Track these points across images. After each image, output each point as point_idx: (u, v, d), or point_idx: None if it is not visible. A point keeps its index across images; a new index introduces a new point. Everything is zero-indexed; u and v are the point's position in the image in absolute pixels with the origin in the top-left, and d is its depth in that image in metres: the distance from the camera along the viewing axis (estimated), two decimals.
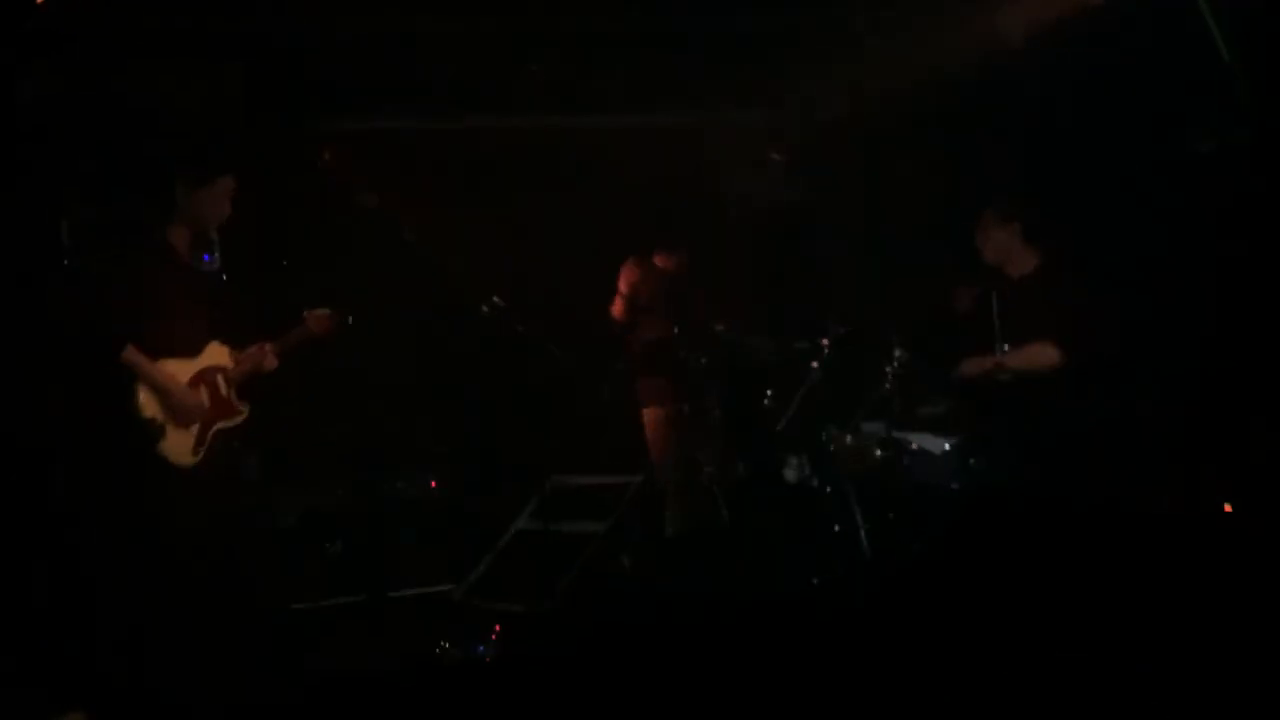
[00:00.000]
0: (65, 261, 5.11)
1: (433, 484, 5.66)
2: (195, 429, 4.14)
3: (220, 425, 4.24)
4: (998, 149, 5.60)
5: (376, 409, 5.75)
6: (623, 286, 5.91)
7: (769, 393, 5.07)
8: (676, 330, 5.47)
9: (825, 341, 4.81)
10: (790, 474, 4.79)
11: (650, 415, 5.79)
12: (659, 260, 5.89)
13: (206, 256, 5.02)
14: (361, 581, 5.15)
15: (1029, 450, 4.31)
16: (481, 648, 4.40)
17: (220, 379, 4.29)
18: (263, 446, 4.94)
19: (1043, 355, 4.42)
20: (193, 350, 4.23)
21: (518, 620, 4.66)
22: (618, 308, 5.88)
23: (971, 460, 4.38)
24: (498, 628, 4.61)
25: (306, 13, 5.14)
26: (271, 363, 4.39)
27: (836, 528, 4.49)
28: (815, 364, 4.80)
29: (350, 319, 4.63)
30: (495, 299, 4.63)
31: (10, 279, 4.82)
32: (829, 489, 4.60)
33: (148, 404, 4.05)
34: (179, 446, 4.10)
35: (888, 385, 4.61)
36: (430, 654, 4.39)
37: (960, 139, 5.80)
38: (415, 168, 5.81)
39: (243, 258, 5.06)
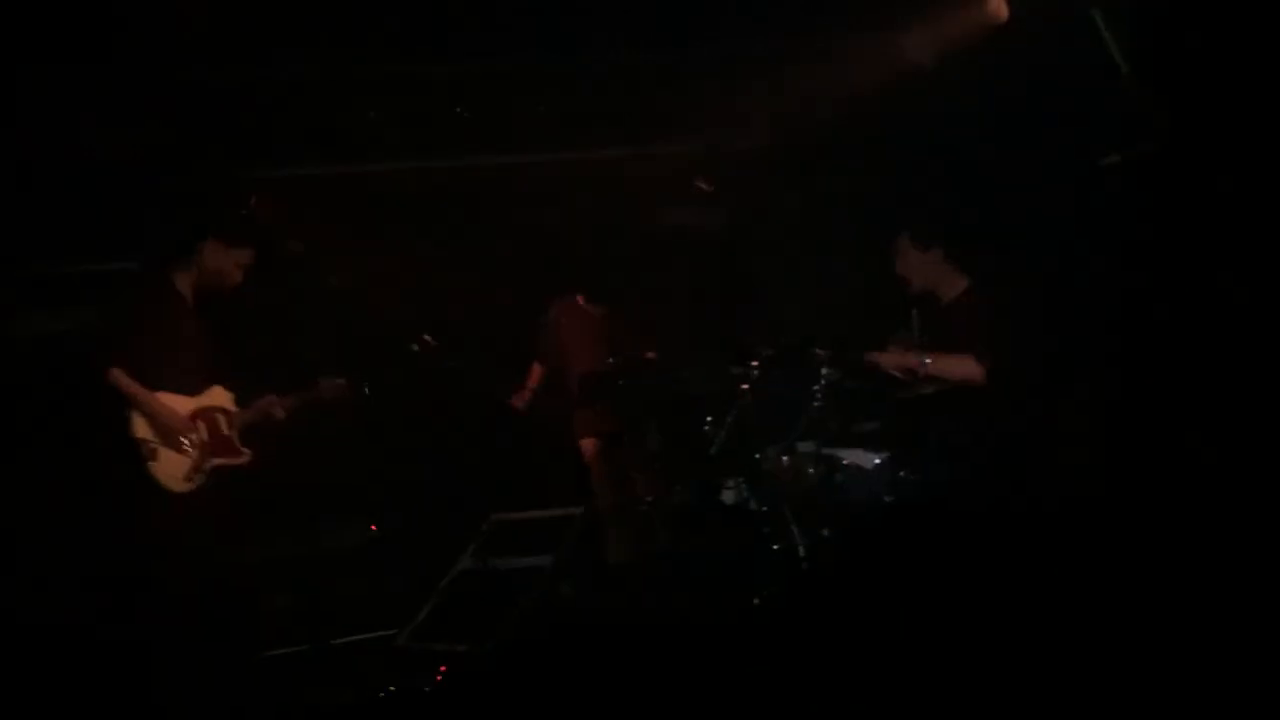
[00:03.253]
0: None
1: (372, 528, 5.61)
2: (192, 458, 4.39)
3: (220, 461, 4.51)
4: (913, 170, 5.73)
5: (310, 454, 5.70)
6: (552, 323, 5.95)
7: (709, 419, 5.10)
8: (610, 361, 5.50)
9: (755, 364, 4.85)
10: (728, 496, 4.82)
11: (587, 446, 5.81)
12: (586, 299, 5.94)
13: None
14: (304, 630, 5.09)
15: (956, 461, 4.38)
16: (427, 689, 4.36)
17: (222, 419, 4.57)
18: None
19: (966, 367, 4.50)
20: (192, 389, 4.50)
21: (462, 660, 4.62)
22: (544, 349, 5.91)
23: (902, 473, 4.45)
24: (443, 669, 4.57)
25: (232, 60, 5.13)
26: (280, 415, 4.69)
27: (775, 546, 4.52)
28: (745, 386, 4.84)
29: (366, 389, 4.90)
30: (425, 337, 4.67)
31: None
32: (766, 509, 4.64)
33: (139, 425, 4.31)
34: (171, 471, 4.36)
35: (817, 404, 4.68)
36: (376, 698, 4.34)
37: (878, 161, 5.93)
38: (340, 213, 5.80)
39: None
